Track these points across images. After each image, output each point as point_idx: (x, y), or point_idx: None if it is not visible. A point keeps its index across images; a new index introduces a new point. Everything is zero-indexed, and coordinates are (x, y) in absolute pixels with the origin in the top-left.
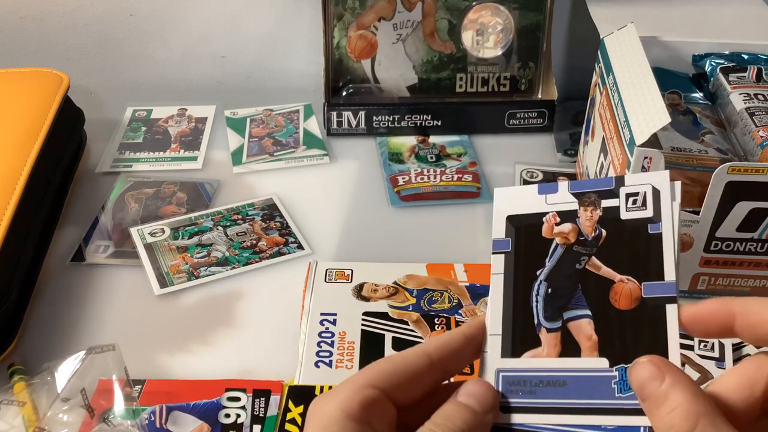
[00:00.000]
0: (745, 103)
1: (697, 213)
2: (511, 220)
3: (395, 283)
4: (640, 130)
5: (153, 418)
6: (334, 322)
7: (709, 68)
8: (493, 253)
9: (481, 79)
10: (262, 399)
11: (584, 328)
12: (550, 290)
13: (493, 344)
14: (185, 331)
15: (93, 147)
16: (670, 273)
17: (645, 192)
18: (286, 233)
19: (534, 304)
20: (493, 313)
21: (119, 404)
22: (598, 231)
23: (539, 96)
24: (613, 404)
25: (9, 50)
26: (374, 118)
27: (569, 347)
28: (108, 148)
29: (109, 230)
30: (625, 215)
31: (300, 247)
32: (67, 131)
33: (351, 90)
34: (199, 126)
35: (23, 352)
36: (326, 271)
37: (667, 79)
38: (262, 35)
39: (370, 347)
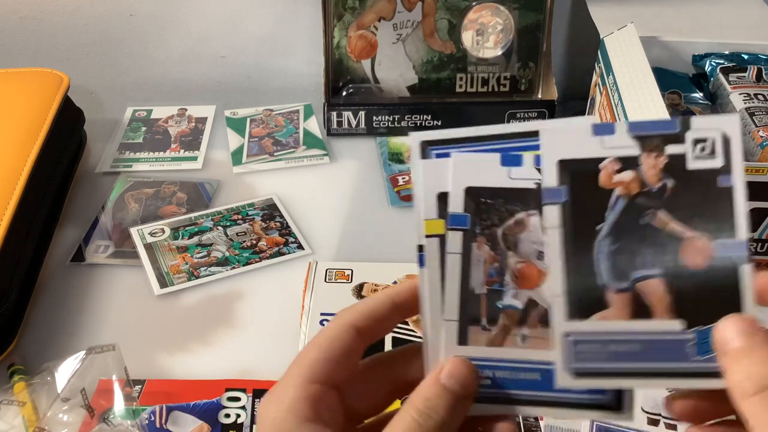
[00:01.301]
0: (745, 103)
1: None
2: (563, 165)
3: (395, 283)
4: None
5: (153, 418)
6: None
7: (709, 68)
8: (545, 204)
9: (481, 79)
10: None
11: (656, 289)
12: (613, 247)
13: (557, 306)
14: (185, 331)
15: (93, 147)
16: (742, 231)
17: (714, 139)
18: (286, 233)
19: (597, 262)
20: (553, 271)
21: (119, 404)
22: (663, 181)
23: (539, 96)
24: (689, 367)
25: (9, 50)
26: (374, 118)
27: (640, 309)
28: (108, 148)
29: (109, 230)
30: (692, 165)
31: (300, 247)
32: (67, 131)
33: (351, 90)
34: (199, 126)
35: (23, 352)
36: (326, 271)
37: (667, 79)
38: (262, 35)
39: (370, 347)
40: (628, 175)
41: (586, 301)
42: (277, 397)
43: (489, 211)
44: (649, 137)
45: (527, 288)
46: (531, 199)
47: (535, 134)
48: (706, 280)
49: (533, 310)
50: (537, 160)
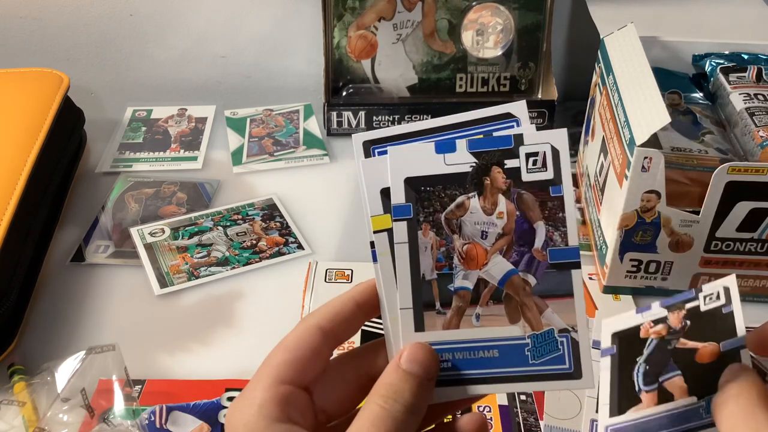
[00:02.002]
0: (745, 103)
1: (697, 213)
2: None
3: None
4: (640, 130)
5: (153, 418)
6: None
7: (709, 68)
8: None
9: (481, 79)
10: None
11: (676, 383)
12: (647, 367)
13: (603, 412)
14: (185, 331)
15: (93, 147)
16: (741, 330)
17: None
18: (286, 233)
19: (636, 377)
20: (602, 395)
21: (119, 404)
22: (684, 323)
23: (539, 96)
24: (701, 423)
25: (9, 50)
26: (374, 118)
27: (664, 398)
28: (108, 148)
29: (109, 230)
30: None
31: (300, 247)
32: (67, 131)
33: (351, 90)
34: (199, 126)
35: (23, 352)
36: (326, 271)
37: (667, 79)
38: (262, 35)
39: None
40: (660, 327)
41: (626, 401)
42: (246, 399)
43: (430, 198)
44: (675, 304)
45: (475, 268)
46: (468, 182)
47: (467, 124)
48: (714, 368)
49: (484, 289)
50: (470, 145)
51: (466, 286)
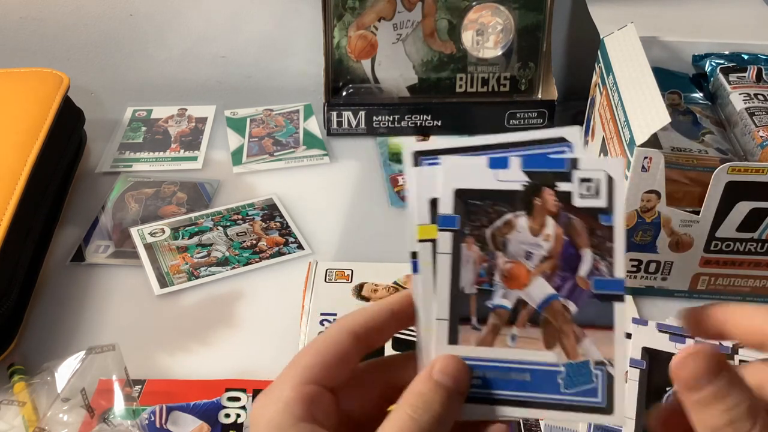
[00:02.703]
0: (745, 103)
1: (697, 213)
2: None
3: (395, 283)
4: (640, 130)
5: (153, 418)
6: (334, 322)
7: (709, 68)
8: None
9: (481, 79)
10: None
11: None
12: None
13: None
14: (185, 331)
15: (93, 147)
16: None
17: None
18: (286, 233)
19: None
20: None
21: (119, 404)
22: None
23: (539, 96)
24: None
25: (9, 50)
26: (374, 118)
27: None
28: (108, 148)
29: (109, 230)
30: (578, 202)
31: (300, 247)
32: (67, 131)
33: (351, 90)
34: (199, 126)
35: (23, 352)
36: (326, 271)
37: (667, 79)
38: (262, 35)
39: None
40: None
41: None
42: (272, 397)
43: (478, 213)
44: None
45: (516, 288)
46: (518, 200)
47: (518, 144)
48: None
49: (523, 310)
50: (524, 163)
51: (504, 304)
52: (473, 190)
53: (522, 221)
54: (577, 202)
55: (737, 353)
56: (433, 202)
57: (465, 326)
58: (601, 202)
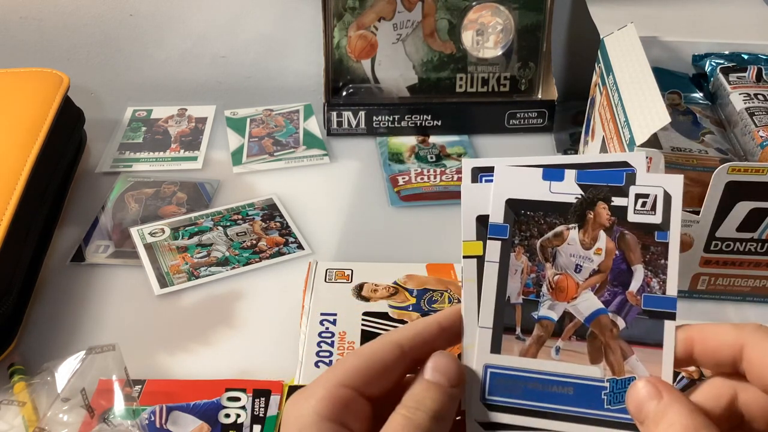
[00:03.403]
0: (745, 103)
1: (697, 213)
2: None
3: (395, 283)
4: (640, 130)
5: (153, 418)
6: (334, 322)
7: (709, 68)
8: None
9: (481, 79)
10: (262, 399)
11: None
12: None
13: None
14: (185, 331)
15: (93, 147)
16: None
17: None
18: (286, 233)
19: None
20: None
21: (119, 404)
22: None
23: (539, 96)
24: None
25: (9, 50)
26: (374, 118)
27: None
28: (108, 148)
29: (109, 230)
30: (632, 217)
31: (300, 247)
32: (67, 131)
33: (351, 90)
34: (199, 126)
35: (23, 352)
36: (326, 271)
37: (667, 79)
38: (262, 35)
39: None
40: (690, 368)
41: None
42: (305, 393)
43: (528, 223)
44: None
45: (564, 300)
46: (571, 213)
47: (582, 167)
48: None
49: (569, 323)
50: (579, 176)
51: (551, 316)
52: (525, 200)
53: (573, 234)
54: (632, 217)
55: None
56: (480, 219)
57: (509, 336)
58: (656, 219)
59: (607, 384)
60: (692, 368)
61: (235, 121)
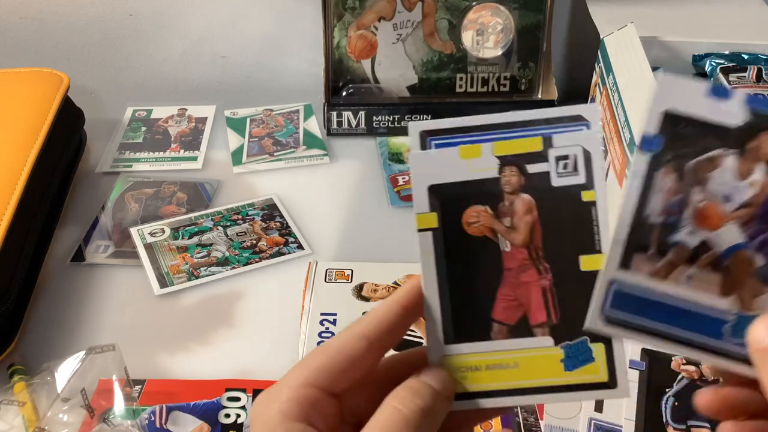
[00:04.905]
0: None
1: None
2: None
3: (395, 283)
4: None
5: (153, 418)
6: (334, 322)
7: (709, 68)
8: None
9: (481, 79)
10: None
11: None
12: (676, 403)
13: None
14: (185, 331)
15: (93, 147)
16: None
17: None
18: (286, 233)
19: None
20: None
21: (119, 404)
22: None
23: (539, 96)
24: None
25: (9, 50)
26: (374, 118)
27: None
28: (108, 148)
29: (109, 230)
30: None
31: (300, 247)
32: (67, 131)
33: (351, 90)
34: (199, 126)
35: (23, 352)
36: (326, 271)
37: None
38: (262, 35)
39: None
40: (690, 367)
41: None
42: (271, 395)
43: (685, 140)
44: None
45: (705, 228)
46: (732, 137)
47: (533, 123)
48: None
49: (706, 252)
50: (749, 99)
51: (688, 242)
52: (686, 117)
53: (730, 161)
54: None
55: None
56: (432, 189)
57: (640, 254)
58: None
59: (732, 318)
60: (692, 368)
61: (235, 121)
